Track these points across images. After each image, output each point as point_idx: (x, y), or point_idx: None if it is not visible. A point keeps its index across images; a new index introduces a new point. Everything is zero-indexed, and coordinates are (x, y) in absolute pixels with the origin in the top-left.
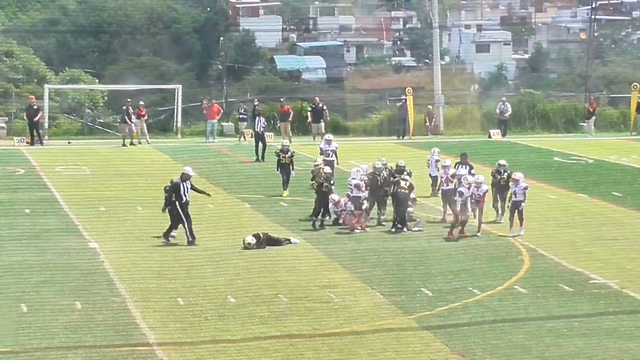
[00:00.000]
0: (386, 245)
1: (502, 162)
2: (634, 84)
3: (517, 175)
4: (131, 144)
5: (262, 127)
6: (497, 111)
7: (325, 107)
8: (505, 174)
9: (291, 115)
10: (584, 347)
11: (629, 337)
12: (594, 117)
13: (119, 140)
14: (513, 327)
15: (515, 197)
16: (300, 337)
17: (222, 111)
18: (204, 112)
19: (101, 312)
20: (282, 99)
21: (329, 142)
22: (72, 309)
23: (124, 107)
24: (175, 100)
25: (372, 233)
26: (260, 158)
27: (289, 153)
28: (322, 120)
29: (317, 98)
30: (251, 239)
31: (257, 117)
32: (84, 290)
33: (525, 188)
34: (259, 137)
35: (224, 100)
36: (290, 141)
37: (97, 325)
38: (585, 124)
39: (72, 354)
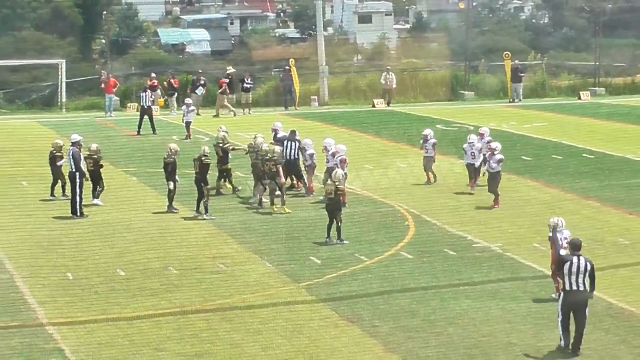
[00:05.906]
0: (275, 216)
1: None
2: (506, 52)
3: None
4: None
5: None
6: (382, 81)
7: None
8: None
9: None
10: (468, 308)
11: (510, 297)
12: (521, 83)
13: None
14: (400, 292)
15: (492, 169)
16: (192, 308)
17: (118, 84)
18: (102, 86)
19: None
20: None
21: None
22: None
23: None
24: (59, 75)
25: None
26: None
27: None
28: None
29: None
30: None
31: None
32: None
33: (501, 160)
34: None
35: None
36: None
37: None
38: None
39: None
